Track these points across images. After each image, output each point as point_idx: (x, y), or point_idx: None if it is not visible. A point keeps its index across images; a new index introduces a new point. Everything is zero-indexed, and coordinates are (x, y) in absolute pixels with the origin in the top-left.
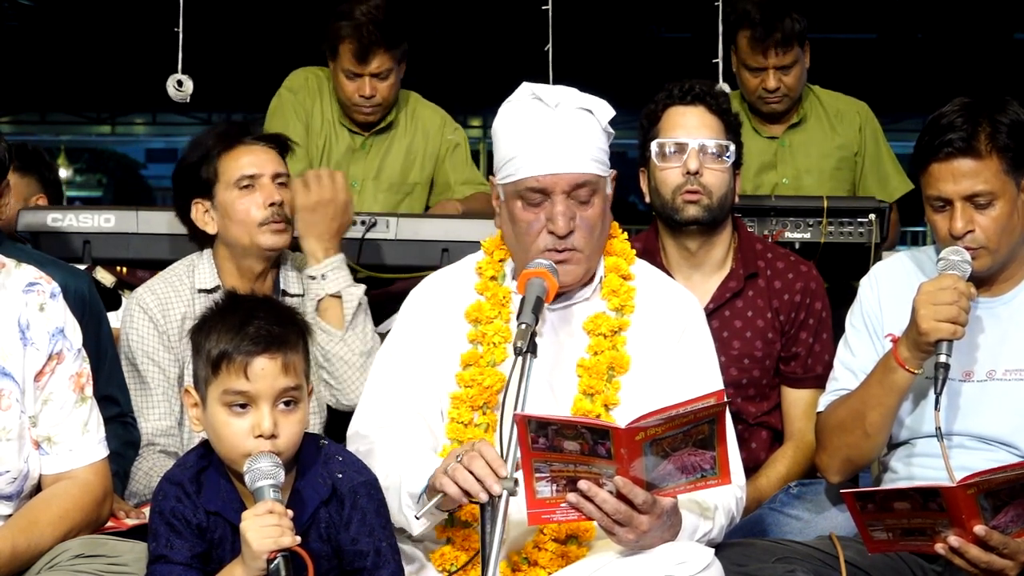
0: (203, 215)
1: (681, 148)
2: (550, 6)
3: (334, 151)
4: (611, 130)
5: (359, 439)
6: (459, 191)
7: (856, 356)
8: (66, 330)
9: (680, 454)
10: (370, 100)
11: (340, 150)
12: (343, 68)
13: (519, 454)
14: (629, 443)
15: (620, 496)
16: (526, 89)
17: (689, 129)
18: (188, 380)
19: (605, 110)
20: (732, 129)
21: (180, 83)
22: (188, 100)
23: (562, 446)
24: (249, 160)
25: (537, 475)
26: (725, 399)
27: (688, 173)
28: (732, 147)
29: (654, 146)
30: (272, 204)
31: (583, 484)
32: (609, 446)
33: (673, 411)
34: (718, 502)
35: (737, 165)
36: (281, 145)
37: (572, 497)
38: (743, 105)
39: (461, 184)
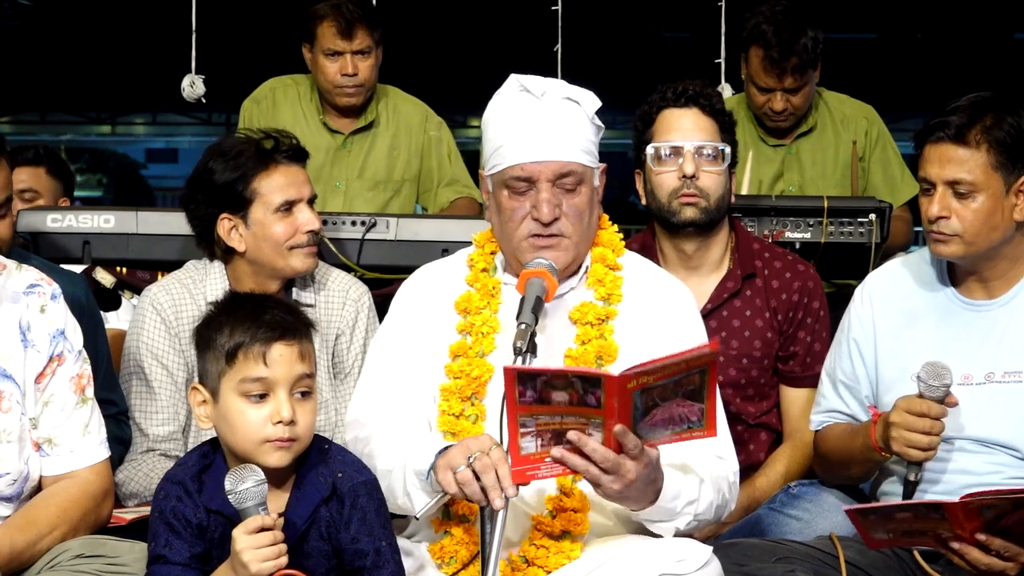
0: (231, 231)
1: (676, 151)
2: (559, 6)
3: (313, 153)
4: (600, 124)
5: (358, 425)
6: (442, 195)
7: (837, 375)
8: (67, 332)
9: (669, 405)
10: (353, 79)
11: (320, 152)
12: (323, 49)
13: (510, 439)
14: (620, 391)
15: (608, 443)
16: (514, 81)
17: (684, 132)
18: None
19: (592, 101)
20: (727, 129)
21: (193, 83)
22: (203, 100)
23: (550, 397)
24: (288, 182)
25: (522, 430)
26: (718, 348)
27: (684, 177)
28: (727, 149)
29: (649, 149)
30: (309, 231)
31: (572, 435)
32: (600, 395)
33: (666, 360)
34: (706, 475)
35: (732, 164)
36: (305, 160)
37: (556, 451)
38: (749, 114)
39: (444, 186)
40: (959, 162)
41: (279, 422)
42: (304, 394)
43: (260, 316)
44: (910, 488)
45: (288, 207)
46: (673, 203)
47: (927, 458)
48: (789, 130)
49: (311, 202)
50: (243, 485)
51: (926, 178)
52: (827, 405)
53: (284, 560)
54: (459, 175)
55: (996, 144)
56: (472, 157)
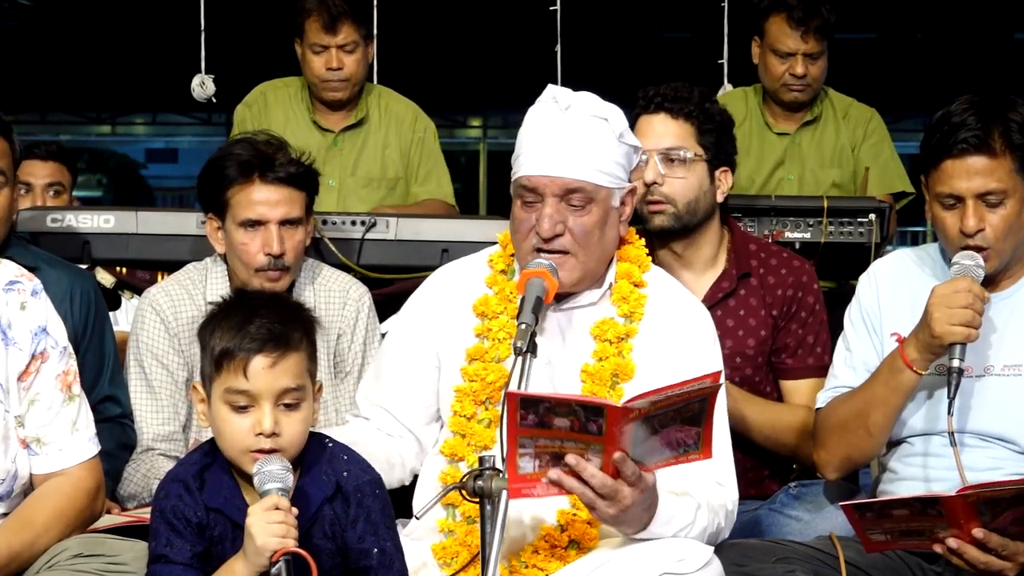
0: (215, 231)
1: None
2: (558, 7)
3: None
4: (635, 143)
5: (355, 407)
6: (413, 192)
7: (854, 353)
8: (49, 328)
9: (668, 431)
10: (337, 73)
11: (312, 151)
12: (310, 44)
13: (508, 457)
14: (622, 421)
15: (607, 468)
16: (549, 91)
17: (649, 138)
18: (197, 378)
19: (620, 119)
20: (704, 130)
21: (203, 83)
22: (213, 100)
23: (552, 422)
24: (260, 199)
25: (521, 450)
26: (721, 380)
27: (646, 184)
28: (692, 153)
29: None
30: (269, 254)
31: (571, 458)
32: (601, 423)
33: (670, 391)
34: (703, 501)
35: (720, 164)
36: (308, 181)
37: (553, 474)
38: (757, 97)
39: (417, 184)
40: (988, 172)
41: (260, 434)
42: (290, 406)
43: (246, 325)
44: (954, 378)
45: (253, 226)
46: (643, 210)
47: (970, 337)
48: (799, 108)
49: (286, 225)
50: (268, 466)
51: (952, 194)
52: (836, 383)
53: (291, 542)
54: (434, 175)
55: (1015, 148)
56: (472, 157)
